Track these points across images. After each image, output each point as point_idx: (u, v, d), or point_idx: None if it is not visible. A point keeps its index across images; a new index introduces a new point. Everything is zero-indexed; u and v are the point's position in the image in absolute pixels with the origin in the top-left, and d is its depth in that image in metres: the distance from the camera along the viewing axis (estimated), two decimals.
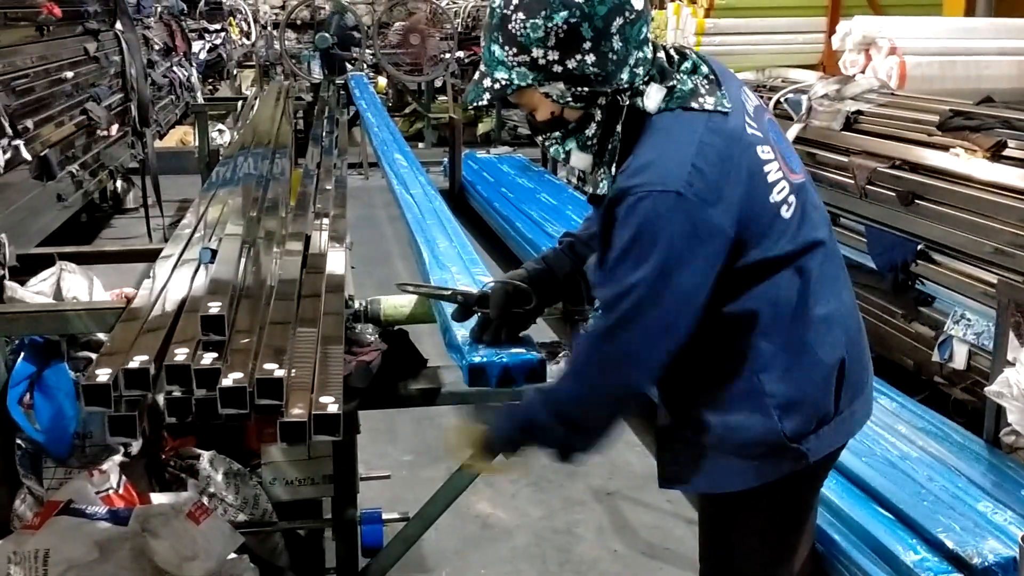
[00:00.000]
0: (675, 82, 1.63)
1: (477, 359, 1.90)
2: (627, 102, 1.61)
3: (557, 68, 1.57)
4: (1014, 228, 3.11)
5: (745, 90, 1.74)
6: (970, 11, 6.44)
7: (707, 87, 1.64)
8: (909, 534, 2.48)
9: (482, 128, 12.17)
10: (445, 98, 11.57)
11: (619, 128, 1.62)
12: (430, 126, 11.31)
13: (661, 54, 1.65)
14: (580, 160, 1.68)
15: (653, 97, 1.61)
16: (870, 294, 4.01)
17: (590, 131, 1.64)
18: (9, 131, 3.65)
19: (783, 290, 1.66)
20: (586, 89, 1.59)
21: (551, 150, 1.72)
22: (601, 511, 3.43)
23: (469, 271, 2.51)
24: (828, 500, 2.65)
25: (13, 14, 4.33)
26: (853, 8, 7.31)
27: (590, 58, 1.56)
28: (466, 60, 11.96)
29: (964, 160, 3.40)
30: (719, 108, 1.61)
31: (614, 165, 1.63)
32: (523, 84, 1.60)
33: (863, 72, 5.17)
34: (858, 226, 4.14)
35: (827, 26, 7.45)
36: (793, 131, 4.32)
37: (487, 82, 1.62)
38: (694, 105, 1.61)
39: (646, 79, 1.62)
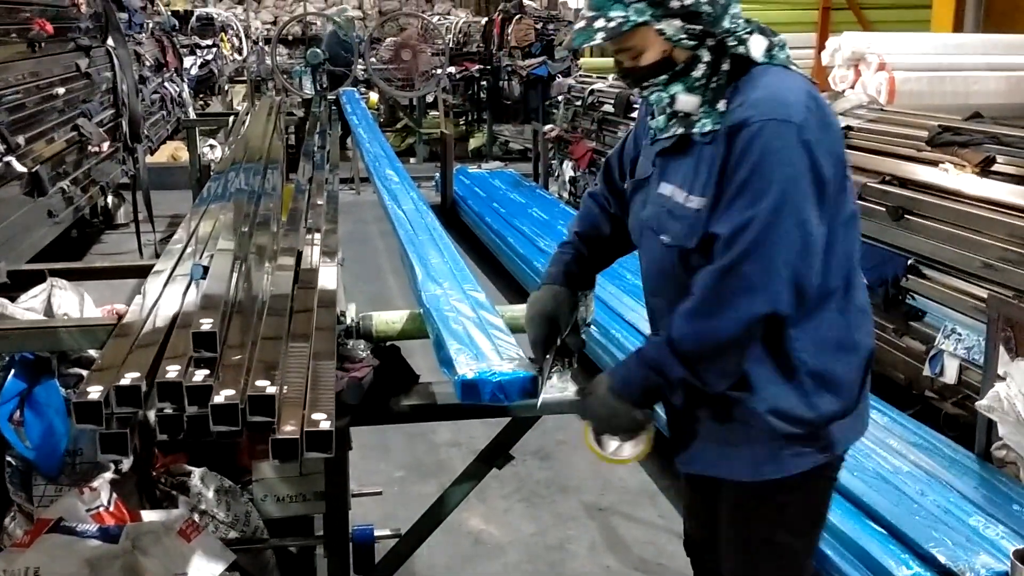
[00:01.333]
0: (776, 42, 1.71)
1: (470, 375, 1.90)
2: (734, 44, 1.68)
3: (675, 4, 1.63)
4: (1003, 243, 3.12)
5: None
6: (958, 27, 6.49)
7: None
8: (901, 549, 2.48)
9: (473, 143, 12.21)
10: (436, 113, 11.60)
11: (725, 68, 1.67)
12: (421, 141, 11.34)
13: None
14: (687, 103, 1.70)
15: (758, 46, 1.68)
16: None
17: (698, 72, 1.68)
18: (1, 146, 3.65)
19: (835, 264, 1.71)
20: (699, 28, 1.65)
21: (653, 96, 1.74)
22: (593, 527, 3.43)
23: (461, 286, 2.51)
24: None
25: (4, 30, 4.33)
26: (842, 24, 7.36)
27: None
28: (457, 76, 12.01)
29: (953, 175, 3.43)
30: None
31: (721, 101, 1.67)
32: (640, 21, 1.64)
33: (852, 88, 5.20)
34: None
35: (817, 42, 7.50)
36: None
37: (599, 23, 1.65)
38: (794, 69, 1.71)
39: (748, 30, 1.69)
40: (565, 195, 7.86)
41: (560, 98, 8.34)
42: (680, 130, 1.73)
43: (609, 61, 9.78)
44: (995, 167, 3.33)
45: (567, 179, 7.85)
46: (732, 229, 1.61)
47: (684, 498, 2.28)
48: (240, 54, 13.43)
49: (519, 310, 2.27)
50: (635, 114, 6.47)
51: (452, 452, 3.91)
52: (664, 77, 1.70)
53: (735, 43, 1.68)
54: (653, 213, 1.79)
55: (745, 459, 1.79)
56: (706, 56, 1.67)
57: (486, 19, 13.37)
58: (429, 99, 11.66)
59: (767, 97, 1.63)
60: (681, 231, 1.71)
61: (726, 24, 1.67)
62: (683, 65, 1.69)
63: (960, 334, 3.44)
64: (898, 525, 2.56)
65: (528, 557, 3.26)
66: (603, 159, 2.13)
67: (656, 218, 1.78)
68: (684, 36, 1.65)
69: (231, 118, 8.67)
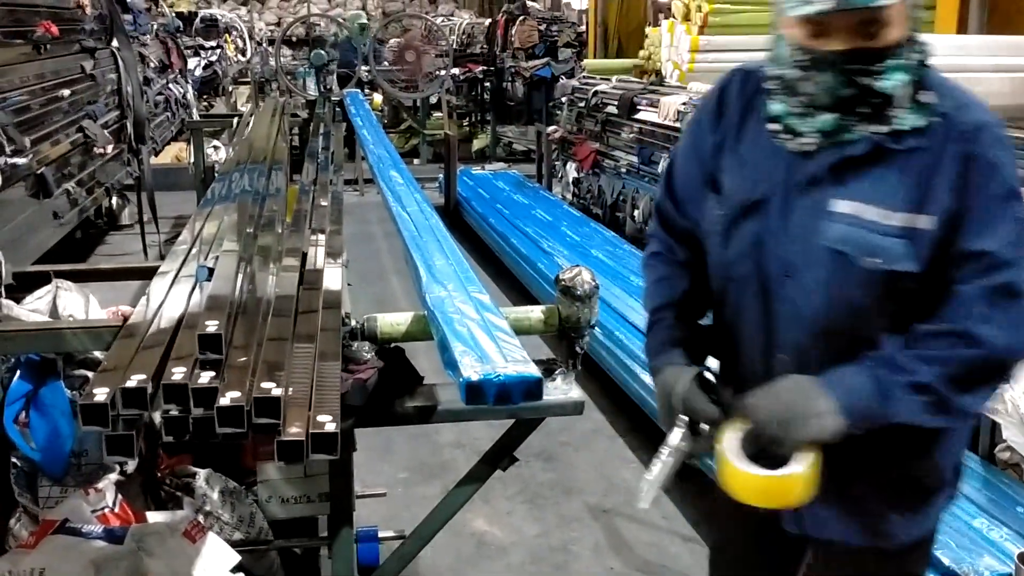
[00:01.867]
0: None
1: (474, 377, 1.90)
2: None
3: None
4: None
5: None
6: (963, 28, 6.48)
7: None
8: None
9: (477, 144, 12.22)
10: (440, 114, 11.61)
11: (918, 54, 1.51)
12: (425, 143, 11.35)
13: None
14: (903, 92, 1.48)
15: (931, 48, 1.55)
16: None
17: (915, 56, 1.50)
18: (8, 148, 3.66)
19: None
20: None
21: (878, 84, 1.47)
22: (597, 528, 3.43)
23: (465, 288, 2.51)
24: None
25: (10, 32, 4.35)
26: None
27: None
28: (461, 77, 12.03)
29: None
30: None
31: (921, 92, 1.50)
32: None
33: None
34: None
35: None
36: None
37: None
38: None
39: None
40: (569, 196, 7.86)
41: (563, 99, 8.34)
42: (871, 130, 1.48)
43: (612, 62, 9.71)
44: None
45: (570, 180, 7.86)
46: (1002, 244, 1.44)
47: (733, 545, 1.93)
48: (244, 55, 13.45)
49: (523, 312, 2.28)
50: (641, 115, 6.49)
51: (456, 453, 3.92)
52: (891, 63, 1.46)
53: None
54: (842, 234, 1.50)
55: (897, 522, 1.59)
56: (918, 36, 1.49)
57: (490, 20, 13.39)
58: (433, 100, 11.68)
59: (970, 102, 1.52)
60: (899, 253, 1.47)
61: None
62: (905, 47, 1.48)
63: None
64: None
65: (532, 559, 3.26)
66: (654, 204, 1.85)
67: (850, 240, 1.49)
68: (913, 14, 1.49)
69: (235, 119, 8.68)
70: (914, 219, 1.45)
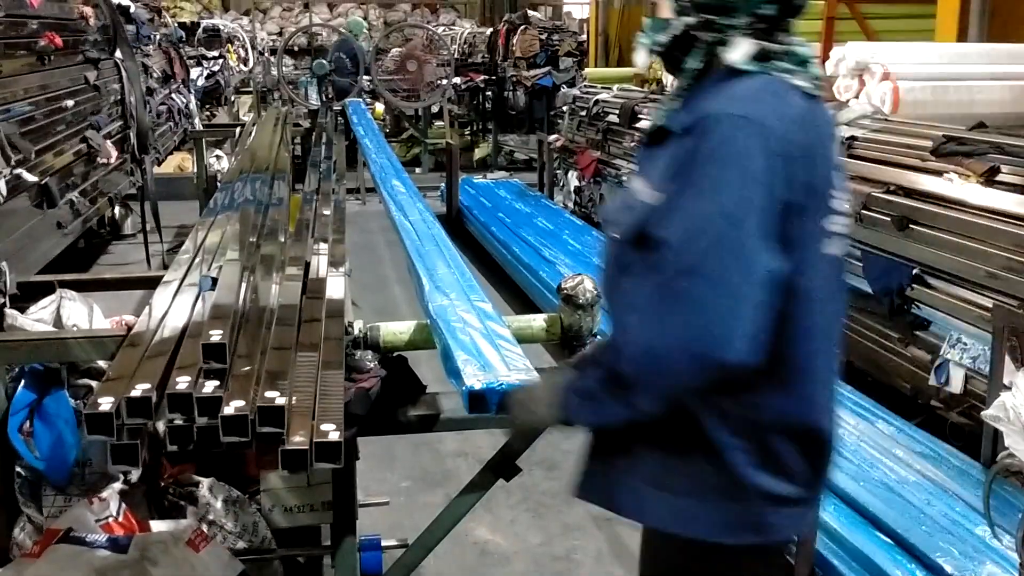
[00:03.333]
0: (779, 51, 1.48)
1: (477, 385, 1.90)
2: (720, 44, 1.46)
3: None
4: (1008, 252, 3.13)
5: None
6: (963, 36, 6.50)
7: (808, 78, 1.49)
8: (907, 559, 2.49)
9: (478, 153, 12.24)
10: (442, 123, 11.64)
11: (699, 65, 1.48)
12: (427, 151, 11.37)
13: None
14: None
15: (740, 51, 1.45)
16: (866, 318, 4.03)
17: (691, 62, 1.49)
18: (13, 159, 3.68)
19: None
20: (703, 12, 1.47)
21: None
22: (600, 537, 3.43)
23: (467, 297, 2.52)
24: (826, 525, 2.65)
25: (15, 44, 4.37)
26: (846, 34, 7.38)
27: None
28: (462, 86, 12.05)
29: (958, 185, 3.43)
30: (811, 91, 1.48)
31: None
32: None
33: (857, 97, 5.21)
34: (854, 251, 4.16)
35: (821, 51, 7.50)
36: None
37: None
38: (786, 76, 1.47)
39: (746, 33, 1.47)
40: (570, 205, 7.87)
41: (565, 108, 8.37)
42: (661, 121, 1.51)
43: (613, 71, 9.76)
44: (1000, 177, 3.33)
45: (572, 189, 7.87)
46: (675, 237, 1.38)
47: None
48: (246, 65, 13.48)
49: (525, 320, 2.29)
50: (643, 124, 6.51)
51: (459, 462, 3.92)
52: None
53: (721, 43, 1.46)
54: (610, 207, 1.62)
55: (651, 507, 1.57)
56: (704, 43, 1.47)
57: (491, 30, 13.41)
58: (434, 109, 11.71)
59: (733, 95, 1.42)
60: (627, 225, 1.49)
61: (735, 20, 1.46)
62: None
63: (965, 344, 3.44)
64: (904, 535, 2.56)
65: (535, 567, 3.26)
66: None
67: (607, 212, 1.64)
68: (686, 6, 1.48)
69: (237, 129, 8.71)
70: (654, 196, 1.44)
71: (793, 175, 1.38)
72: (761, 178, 1.35)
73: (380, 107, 11.33)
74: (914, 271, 3.70)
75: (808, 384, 1.49)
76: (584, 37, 13.10)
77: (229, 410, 1.60)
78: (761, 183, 1.35)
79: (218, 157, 8.63)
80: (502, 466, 2.29)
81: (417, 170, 11.31)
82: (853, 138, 4.15)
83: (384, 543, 2.58)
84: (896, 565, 2.45)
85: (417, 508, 3.48)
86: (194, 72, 10.12)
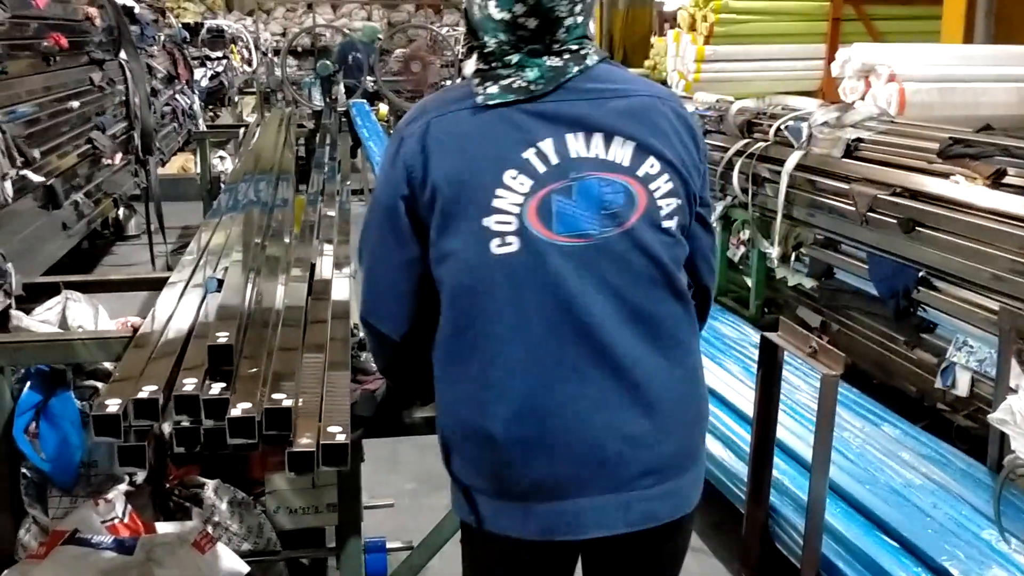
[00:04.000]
0: (497, 75, 1.53)
1: None
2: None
3: None
4: (1015, 255, 3.12)
5: (602, 140, 1.53)
6: (969, 38, 6.48)
7: (511, 84, 1.53)
8: (914, 562, 2.48)
9: None
10: None
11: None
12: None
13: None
14: None
15: (468, 67, 1.60)
16: (872, 321, 4.02)
17: None
18: (19, 160, 3.68)
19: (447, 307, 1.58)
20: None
21: None
22: None
23: None
24: (832, 528, 2.65)
25: (20, 45, 4.37)
26: (852, 36, 7.36)
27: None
28: None
29: (964, 187, 3.42)
30: (488, 100, 1.52)
31: None
32: None
33: (863, 99, 5.20)
34: (859, 253, 4.16)
35: (826, 53, 7.50)
36: (794, 158, 4.35)
37: None
38: (476, 85, 1.54)
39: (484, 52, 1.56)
40: None
41: None
42: None
43: None
44: (1006, 179, 3.32)
45: None
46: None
47: None
48: (250, 66, 13.49)
49: None
50: None
51: None
52: None
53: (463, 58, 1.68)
54: None
55: None
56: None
57: None
58: None
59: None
60: None
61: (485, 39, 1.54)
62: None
63: (972, 346, 3.43)
64: (910, 538, 2.55)
65: None
66: None
67: None
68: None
69: (241, 130, 8.72)
70: None
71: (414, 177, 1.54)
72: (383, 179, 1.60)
73: (384, 108, 11.35)
74: (920, 273, 3.69)
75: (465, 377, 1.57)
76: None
77: (236, 412, 1.60)
78: (384, 184, 1.60)
79: (222, 158, 8.65)
80: None
81: None
82: (859, 140, 4.14)
83: (389, 545, 2.58)
84: (902, 568, 2.45)
85: (422, 510, 3.47)
86: (198, 73, 10.13)
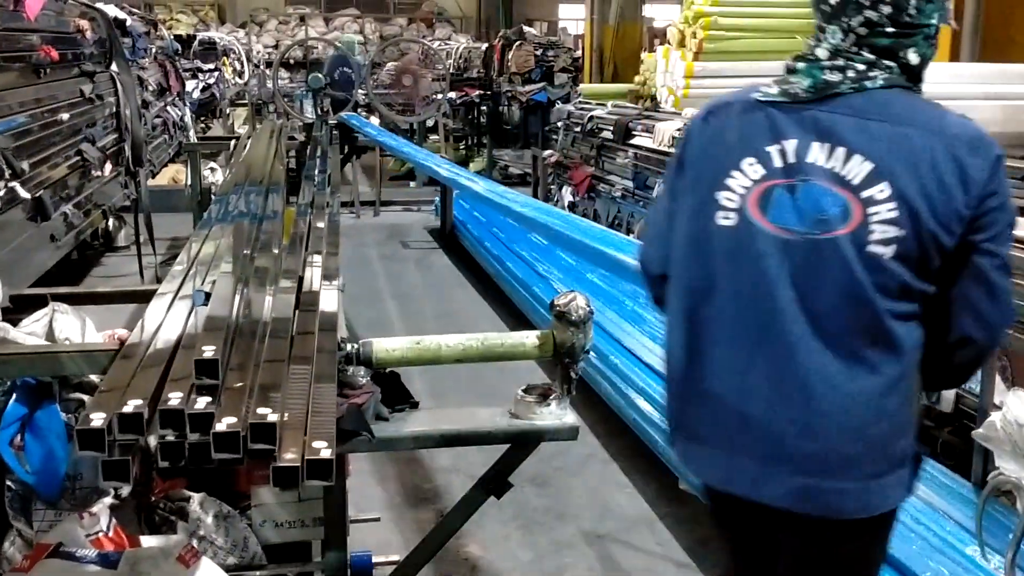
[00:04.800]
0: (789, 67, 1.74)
1: None
2: None
3: None
4: None
5: (823, 147, 1.66)
6: (955, 56, 6.55)
7: (787, 88, 1.71)
8: None
9: (473, 168, 12.25)
10: (437, 137, 11.67)
11: None
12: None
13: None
14: None
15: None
16: None
17: None
18: (7, 172, 3.68)
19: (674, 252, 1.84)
20: None
21: None
22: (591, 554, 3.42)
23: None
24: None
25: (11, 57, 4.37)
26: None
27: None
28: (458, 101, 12.09)
29: None
30: (763, 97, 1.72)
31: None
32: None
33: None
34: None
35: None
36: None
37: None
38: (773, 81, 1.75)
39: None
40: None
41: (559, 124, 8.40)
42: None
43: (608, 87, 9.79)
44: None
45: (566, 204, 7.88)
46: None
47: None
48: (241, 78, 13.51)
49: (519, 337, 2.29)
50: (637, 140, 6.54)
51: (450, 478, 3.92)
52: None
53: None
54: None
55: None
56: None
57: (486, 45, 13.47)
58: (429, 123, 11.74)
59: None
60: None
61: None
62: None
63: None
64: (894, 553, 2.56)
65: None
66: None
67: None
68: None
69: (232, 142, 8.71)
70: None
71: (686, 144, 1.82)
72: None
73: (375, 121, 11.37)
74: None
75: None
76: (579, 53, 13.16)
77: (221, 427, 1.60)
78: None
79: (212, 169, 8.62)
80: (494, 483, 2.29)
81: (412, 184, 11.33)
82: None
83: (375, 559, 2.58)
84: None
85: (408, 524, 3.48)
86: (189, 85, 10.15)
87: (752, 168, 1.67)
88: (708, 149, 1.76)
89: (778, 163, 1.66)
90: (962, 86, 5.50)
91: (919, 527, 2.71)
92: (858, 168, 1.60)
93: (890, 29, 1.63)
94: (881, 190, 1.58)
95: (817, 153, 1.63)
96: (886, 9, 1.62)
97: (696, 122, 1.82)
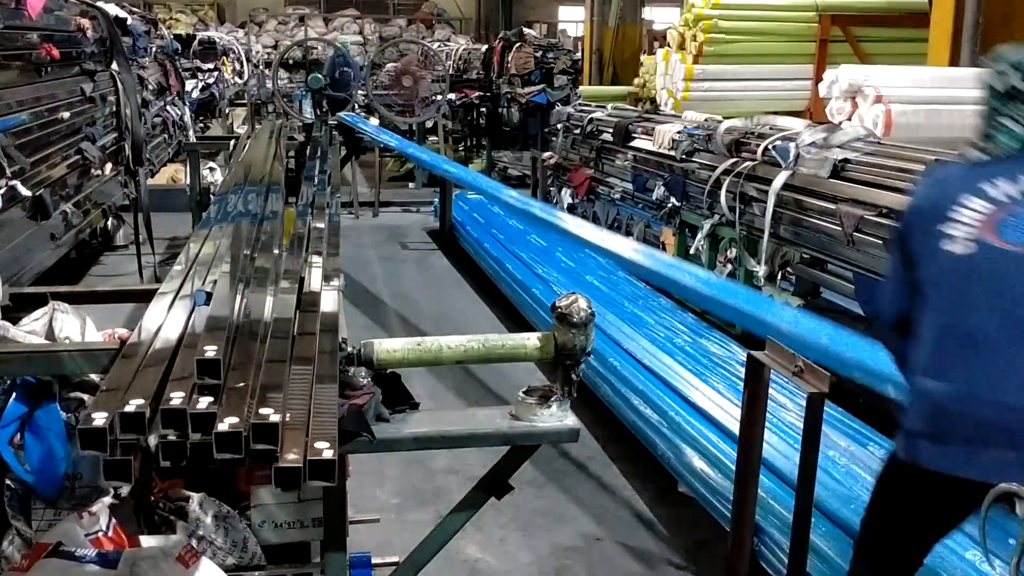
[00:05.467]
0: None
1: None
2: None
3: None
4: None
5: None
6: (955, 61, 6.55)
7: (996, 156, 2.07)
8: None
9: (472, 169, 12.25)
10: (436, 138, 11.66)
11: None
12: (421, 166, 11.37)
13: None
14: None
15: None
16: None
17: None
18: (9, 170, 3.67)
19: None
20: None
21: None
22: (590, 556, 3.42)
23: None
24: (817, 547, 2.66)
25: (12, 56, 4.37)
26: (839, 57, 7.43)
27: None
28: (457, 102, 12.08)
29: None
30: (972, 158, 2.12)
31: None
32: None
33: (849, 120, 5.24)
34: (846, 272, 4.19)
35: (814, 74, 7.56)
36: (781, 178, 4.38)
37: None
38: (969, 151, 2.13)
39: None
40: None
41: (559, 126, 8.40)
42: None
43: (607, 90, 9.79)
44: None
45: (565, 206, 7.88)
46: None
47: None
48: (241, 78, 13.50)
49: (520, 339, 2.29)
50: (636, 143, 6.55)
51: (449, 480, 3.91)
52: None
53: None
54: None
55: None
56: None
57: (486, 46, 13.46)
58: (428, 125, 11.73)
59: None
60: None
61: None
62: None
63: None
64: None
65: None
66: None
67: None
68: None
69: (231, 141, 8.71)
70: None
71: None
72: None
73: (375, 121, 11.36)
74: None
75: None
76: (579, 55, 13.16)
77: (223, 427, 1.60)
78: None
79: (212, 169, 8.62)
80: (493, 484, 2.29)
81: (411, 185, 11.33)
82: (846, 160, 4.17)
83: (374, 560, 2.57)
84: None
85: (407, 526, 3.47)
86: (189, 84, 10.14)
87: (973, 203, 2.02)
88: (925, 198, 2.17)
89: (1002, 198, 2.00)
90: (961, 90, 5.48)
91: None
92: None
93: None
94: None
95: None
96: None
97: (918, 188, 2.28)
